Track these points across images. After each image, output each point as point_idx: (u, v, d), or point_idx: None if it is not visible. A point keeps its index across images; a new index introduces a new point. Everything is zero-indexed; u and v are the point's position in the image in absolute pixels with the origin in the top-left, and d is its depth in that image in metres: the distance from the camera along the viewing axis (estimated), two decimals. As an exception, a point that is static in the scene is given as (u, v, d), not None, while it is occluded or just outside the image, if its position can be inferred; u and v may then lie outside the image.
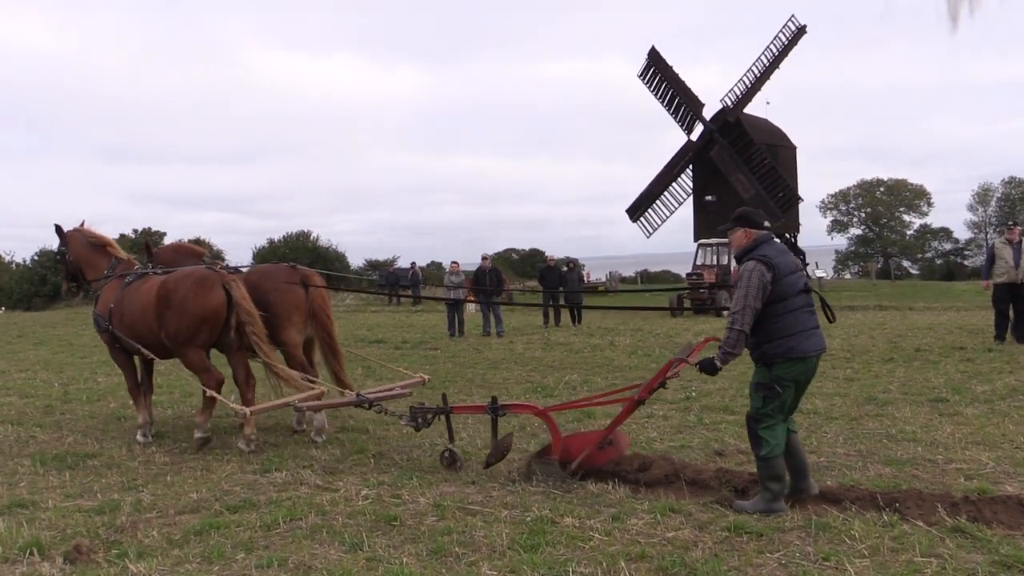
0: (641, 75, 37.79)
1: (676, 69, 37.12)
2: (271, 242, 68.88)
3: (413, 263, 40.39)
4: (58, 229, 9.06)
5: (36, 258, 57.03)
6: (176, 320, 7.49)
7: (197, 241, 65.13)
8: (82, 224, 9.15)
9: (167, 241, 63.56)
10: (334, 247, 69.13)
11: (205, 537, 5.00)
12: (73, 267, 8.97)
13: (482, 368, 12.96)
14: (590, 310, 22.99)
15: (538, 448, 6.61)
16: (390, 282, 37.75)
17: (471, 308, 23.42)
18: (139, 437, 8.01)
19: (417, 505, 5.50)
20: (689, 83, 37.01)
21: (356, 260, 70.38)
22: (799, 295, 5.23)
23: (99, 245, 8.88)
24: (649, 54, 37.30)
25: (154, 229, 63.43)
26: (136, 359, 8.33)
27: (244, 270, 8.67)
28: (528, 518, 5.15)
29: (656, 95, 37.56)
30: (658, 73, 37.29)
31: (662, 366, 6.11)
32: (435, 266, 62.27)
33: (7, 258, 57.59)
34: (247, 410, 7.33)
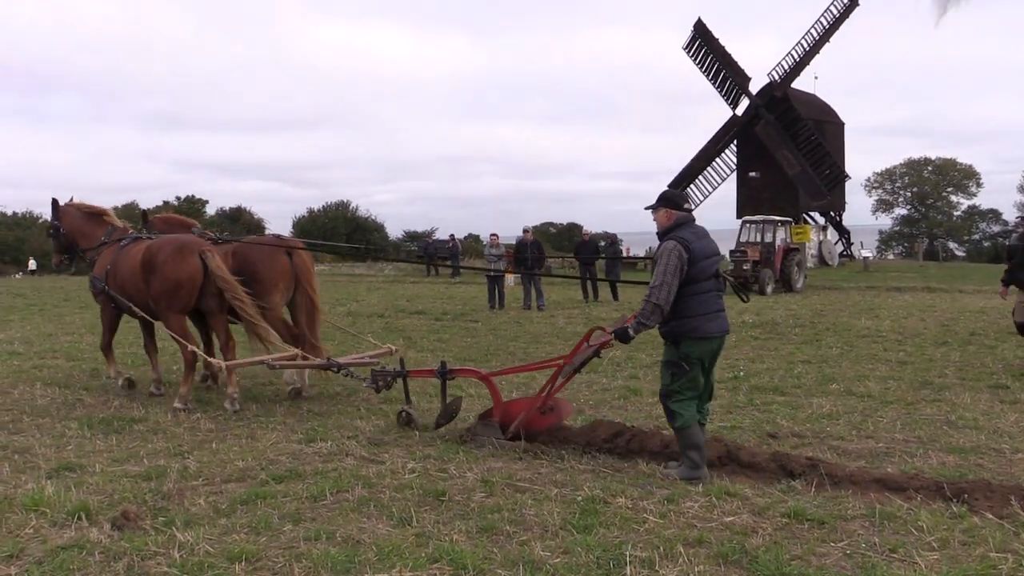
0: (687, 48, 37.10)
1: (723, 42, 36.40)
2: (311, 211, 69.29)
3: (452, 235, 40.32)
4: (54, 203, 9.54)
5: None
6: (157, 284, 7.95)
7: (238, 210, 65.83)
8: (71, 199, 9.68)
9: (209, 210, 64.21)
10: (373, 217, 69.38)
11: (252, 507, 4.94)
12: (66, 240, 9.49)
13: (523, 342, 12.84)
14: (626, 284, 22.74)
15: (482, 411, 6.84)
16: (428, 253, 37.79)
17: (511, 281, 23.29)
18: (116, 381, 8.90)
19: (465, 480, 5.40)
20: (736, 56, 36.30)
21: (395, 231, 70.58)
22: (709, 279, 5.47)
23: (95, 215, 9.44)
24: (695, 26, 36.59)
25: (197, 196, 64.19)
26: (140, 325, 8.92)
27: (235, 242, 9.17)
28: (579, 497, 5.02)
29: (702, 68, 36.89)
30: (704, 46, 36.59)
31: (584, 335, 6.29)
32: (473, 238, 62.20)
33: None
34: (224, 363, 7.93)
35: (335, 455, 6.11)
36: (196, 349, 8.06)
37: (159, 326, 8.54)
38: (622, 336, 5.63)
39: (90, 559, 4.19)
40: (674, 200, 5.69)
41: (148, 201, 67.10)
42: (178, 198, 63.30)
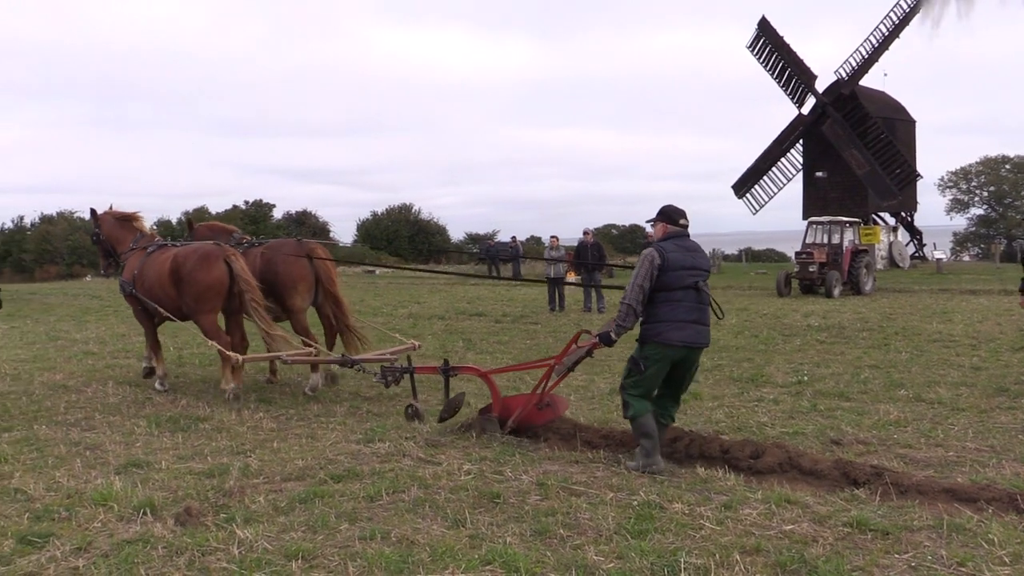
0: (750, 46, 36.53)
1: (787, 40, 35.72)
2: (374, 215, 70.22)
3: (513, 237, 40.40)
4: (93, 212, 10.21)
5: (155, 227, 59.63)
6: (188, 290, 8.53)
7: (304, 213, 67.05)
8: (110, 207, 10.25)
9: (276, 213, 65.56)
10: (435, 220, 69.97)
11: (310, 505, 5.01)
12: (106, 245, 10.12)
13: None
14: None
15: (483, 405, 7.18)
16: (489, 256, 37.92)
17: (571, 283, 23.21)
18: (157, 386, 9.17)
19: (520, 483, 5.39)
20: (801, 54, 35.59)
21: (457, 233, 71.06)
22: (683, 290, 5.74)
23: (126, 219, 10.03)
24: (759, 24, 36.00)
25: (265, 201, 65.61)
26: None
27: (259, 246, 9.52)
28: (635, 502, 4.97)
29: (766, 67, 36.27)
30: (768, 44, 35.97)
31: (579, 341, 6.52)
32: (535, 240, 62.24)
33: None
34: (240, 357, 8.42)
35: (392, 455, 6.16)
36: (228, 352, 8.39)
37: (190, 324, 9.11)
38: (605, 339, 5.96)
39: (153, 553, 4.31)
40: (670, 215, 6.02)
41: (218, 206, 68.84)
42: (246, 202, 64.80)
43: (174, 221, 61.46)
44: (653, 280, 5.72)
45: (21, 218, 60.50)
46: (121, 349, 12.83)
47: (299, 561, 4.16)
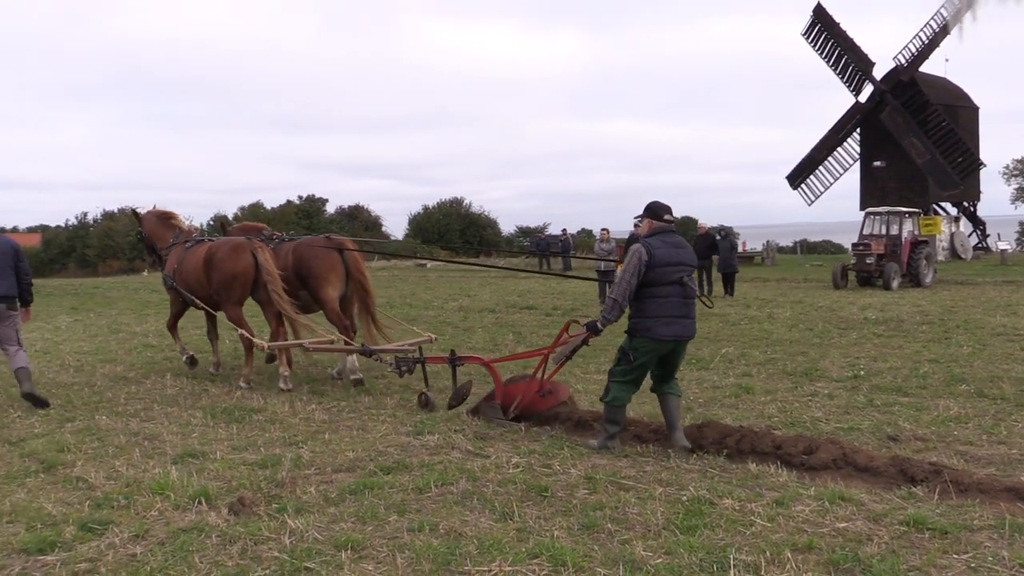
0: (805, 33, 35.81)
1: (844, 26, 34.92)
2: (425, 208, 70.65)
3: (564, 230, 40.28)
4: (135, 212, 11.06)
5: (212, 223, 61.01)
6: (216, 278, 9.10)
7: (356, 207, 67.75)
8: (154, 207, 11.01)
9: (329, 208, 66.36)
10: (486, 213, 70.14)
11: (359, 497, 5.07)
12: (149, 242, 10.86)
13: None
14: (744, 282, 22.17)
15: (487, 393, 7.42)
16: (540, 249, 37.87)
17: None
18: (184, 361, 10.11)
19: (568, 476, 5.37)
20: (858, 40, 34.76)
21: (507, 227, 71.17)
22: (670, 285, 5.92)
23: (165, 218, 10.76)
24: (815, 11, 35.26)
25: (317, 196, 66.49)
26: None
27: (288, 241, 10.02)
28: (684, 497, 4.92)
29: (821, 54, 35.52)
30: (824, 31, 35.22)
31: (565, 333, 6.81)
32: (586, 233, 61.99)
33: (187, 222, 61.97)
34: (265, 344, 9.04)
35: (442, 448, 6.20)
36: (249, 336, 9.06)
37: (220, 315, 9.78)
38: (592, 328, 6.22)
39: (208, 542, 4.40)
40: (655, 212, 6.21)
41: (272, 200, 69.95)
42: (300, 197, 65.76)
43: (230, 216, 62.67)
44: (641, 276, 5.91)
45: (85, 214, 62.34)
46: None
47: (348, 551, 4.21)
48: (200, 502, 5.00)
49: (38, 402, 8.00)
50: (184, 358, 10.22)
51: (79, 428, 7.14)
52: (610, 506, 4.80)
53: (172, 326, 10.49)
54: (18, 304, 8.32)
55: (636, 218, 6.44)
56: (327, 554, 4.20)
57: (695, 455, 5.87)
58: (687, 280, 6.00)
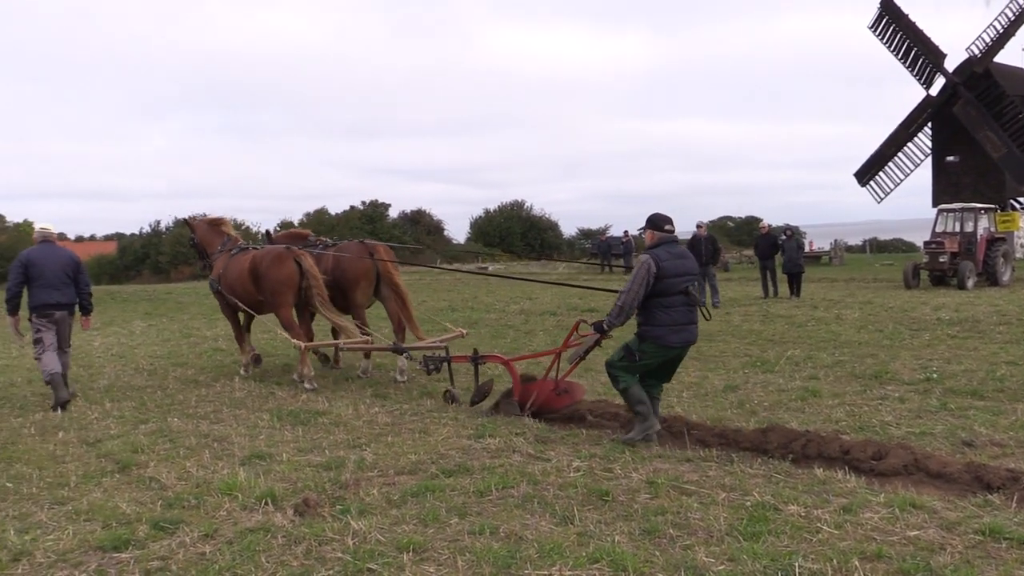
0: (872, 26, 34.88)
1: (913, 17, 33.92)
2: (487, 212, 70.95)
3: (626, 231, 40.00)
4: (186, 221, 11.78)
5: (278, 229, 62.21)
6: (265, 285, 9.61)
7: (418, 212, 68.40)
8: (204, 215, 11.76)
9: (392, 213, 67.15)
10: (547, 216, 70.11)
11: (421, 499, 5.11)
12: (200, 248, 11.38)
13: (699, 339, 12.51)
14: (811, 282, 21.68)
15: (506, 390, 7.85)
16: (602, 251, 37.69)
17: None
18: (241, 371, 10.45)
19: (629, 481, 5.33)
20: (928, 32, 33.71)
21: (569, 229, 71.04)
22: (678, 295, 6.27)
23: (215, 224, 11.28)
24: (881, 3, 34.32)
25: (380, 201, 67.33)
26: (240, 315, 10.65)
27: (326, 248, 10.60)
28: (748, 503, 4.83)
29: (889, 47, 34.54)
30: (892, 23, 34.25)
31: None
32: (647, 234, 61.40)
33: (253, 229, 63.42)
34: (302, 344, 9.39)
35: (503, 451, 6.21)
36: (301, 344, 9.41)
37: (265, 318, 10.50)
38: (599, 328, 6.58)
39: (273, 542, 4.50)
40: (657, 223, 6.53)
41: (337, 206, 71.29)
42: (363, 202, 66.67)
43: (296, 222, 63.90)
44: (649, 287, 6.22)
45: (158, 222, 64.22)
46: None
47: (410, 553, 4.25)
48: (267, 503, 5.11)
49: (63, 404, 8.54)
50: (243, 367, 10.62)
51: (152, 430, 7.37)
52: (672, 511, 4.74)
53: (239, 336, 10.83)
54: (77, 311, 9.06)
55: (640, 230, 6.59)
56: (389, 556, 4.25)
57: (759, 460, 5.76)
58: (691, 289, 6.37)
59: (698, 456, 5.92)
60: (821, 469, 5.47)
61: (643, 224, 6.77)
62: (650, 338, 6.32)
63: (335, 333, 10.21)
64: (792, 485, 5.19)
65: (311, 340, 10.04)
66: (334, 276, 9.88)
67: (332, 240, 10.96)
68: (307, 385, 9.20)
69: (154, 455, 6.45)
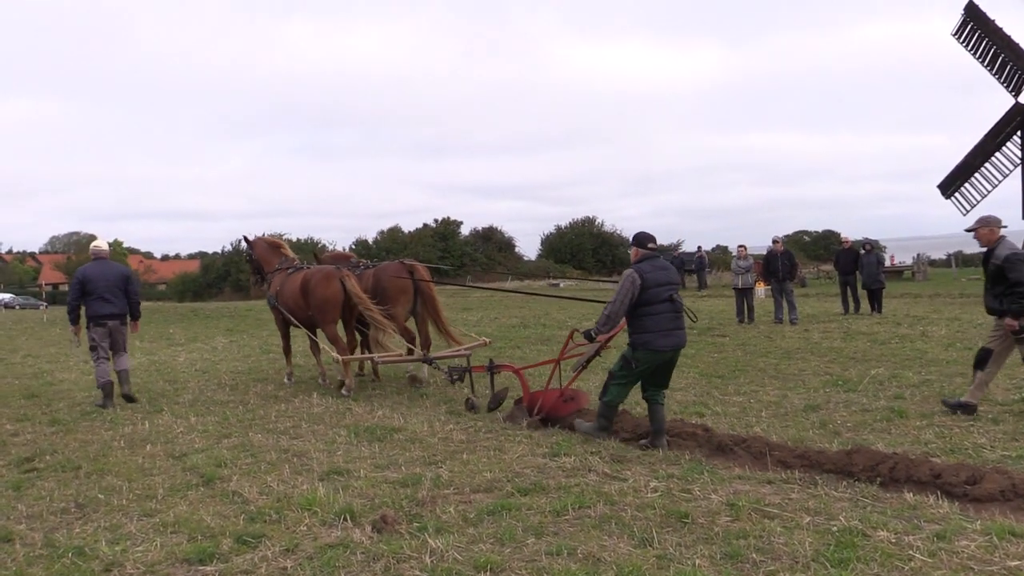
0: (956, 33, 33.79)
1: (999, 22, 32.74)
2: (558, 228, 70.99)
3: (699, 247, 39.52)
4: (245, 238, 12.67)
5: (353, 247, 63.47)
6: (313, 302, 10.46)
7: (490, 229, 68.86)
8: (263, 235, 12.72)
9: (464, 230, 67.75)
10: (618, 232, 69.85)
11: (498, 518, 5.10)
12: (256, 265, 12.34)
13: (775, 357, 12.25)
14: (893, 298, 20.96)
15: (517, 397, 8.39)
16: (675, 266, 37.28)
17: (760, 293, 22.37)
18: (285, 379, 11.45)
19: (709, 503, 5.22)
20: (1016, 37, 32.47)
21: (640, 244, 70.54)
22: (663, 303, 6.86)
23: (274, 246, 12.32)
24: (966, 8, 33.22)
25: (452, 219, 68.07)
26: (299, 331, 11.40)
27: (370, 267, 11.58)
28: (834, 527, 4.67)
29: (975, 54, 33.37)
30: (977, 29, 33.11)
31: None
32: (721, 250, 60.58)
33: (329, 247, 64.77)
34: (340, 357, 10.27)
35: (578, 470, 6.16)
36: (342, 358, 10.29)
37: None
38: (588, 336, 7.23)
39: (353, 558, 4.54)
40: (641, 241, 7.18)
41: (408, 224, 72.29)
42: (436, 220, 67.50)
43: (370, 240, 65.00)
44: (635, 298, 6.81)
45: (239, 241, 66.26)
46: (325, 362, 13.67)
47: (487, 573, 4.24)
48: (345, 519, 5.16)
49: (131, 400, 9.98)
50: (287, 377, 11.56)
51: (235, 444, 7.55)
52: (754, 535, 4.62)
53: (287, 349, 11.88)
54: (128, 319, 10.19)
55: (629, 247, 7.54)
56: (466, 574, 4.24)
57: (844, 483, 5.57)
58: (675, 297, 6.93)
59: (779, 478, 5.77)
60: (911, 493, 5.27)
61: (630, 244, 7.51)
62: (641, 345, 6.86)
63: (364, 347, 11.19)
64: (880, 510, 5.01)
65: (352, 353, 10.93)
66: (376, 293, 10.69)
67: (372, 263, 11.86)
68: (344, 392, 10.06)
69: (236, 469, 6.59)
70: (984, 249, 8.01)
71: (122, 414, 9.41)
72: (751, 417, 7.91)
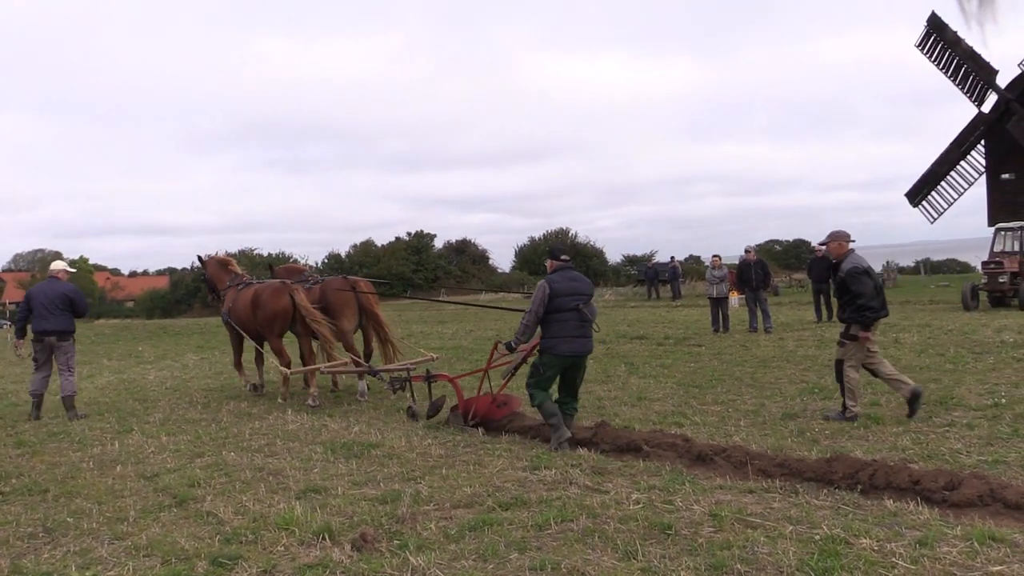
0: (920, 44, 34.37)
1: (962, 34, 33.34)
2: (532, 240, 71.05)
3: (672, 257, 39.72)
4: (200, 258, 13.15)
5: (325, 262, 63.07)
6: (262, 316, 11.06)
7: (463, 242, 68.79)
8: (215, 253, 13.36)
9: (437, 243, 67.59)
10: (591, 243, 70.03)
11: (479, 533, 5.03)
12: (210, 282, 12.90)
13: (751, 366, 12.30)
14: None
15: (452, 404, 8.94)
16: (649, 277, 37.42)
17: (734, 303, 22.50)
18: (249, 389, 11.97)
19: (692, 514, 5.18)
20: (978, 48, 33.09)
21: (614, 255, 70.78)
22: (570, 311, 7.35)
23: (224, 263, 12.82)
24: (929, 20, 33.83)
25: (426, 231, 67.89)
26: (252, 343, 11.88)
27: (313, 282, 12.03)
28: (817, 536, 4.66)
29: (939, 65, 33.97)
30: (940, 40, 33.72)
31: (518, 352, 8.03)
32: (694, 260, 60.96)
33: (302, 261, 64.31)
34: (287, 371, 10.95)
35: (559, 483, 6.10)
36: (285, 370, 10.98)
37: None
38: (508, 347, 7.74)
39: (333, 579, 4.44)
40: (555, 254, 7.76)
41: (382, 238, 71.93)
42: (409, 234, 67.28)
43: (343, 254, 64.62)
44: (545, 306, 7.33)
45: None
46: (297, 379, 13.52)
47: (470, 591, 4.16)
48: (324, 538, 5.06)
49: (78, 417, 10.36)
50: (247, 386, 12.07)
51: (208, 463, 7.41)
52: (738, 545, 4.59)
53: (237, 363, 12.35)
54: (72, 339, 10.57)
55: (546, 260, 7.99)
56: (449, 593, 4.16)
57: (824, 491, 5.57)
58: (582, 307, 7.37)
59: (760, 487, 5.75)
60: (891, 500, 5.28)
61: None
62: (546, 350, 7.40)
63: (304, 359, 11.52)
64: (862, 517, 5.01)
65: (314, 363, 11.35)
66: (323, 306, 11.17)
67: (322, 277, 12.29)
68: (310, 402, 10.52)
69: (210, 489, 6.46)
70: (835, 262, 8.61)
71: (90, 434, 9.22)
72: (730, 426, 7.91)
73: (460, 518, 5.35)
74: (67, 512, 6.05)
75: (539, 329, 7.53)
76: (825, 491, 5.60)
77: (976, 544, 4.44)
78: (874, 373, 8.26)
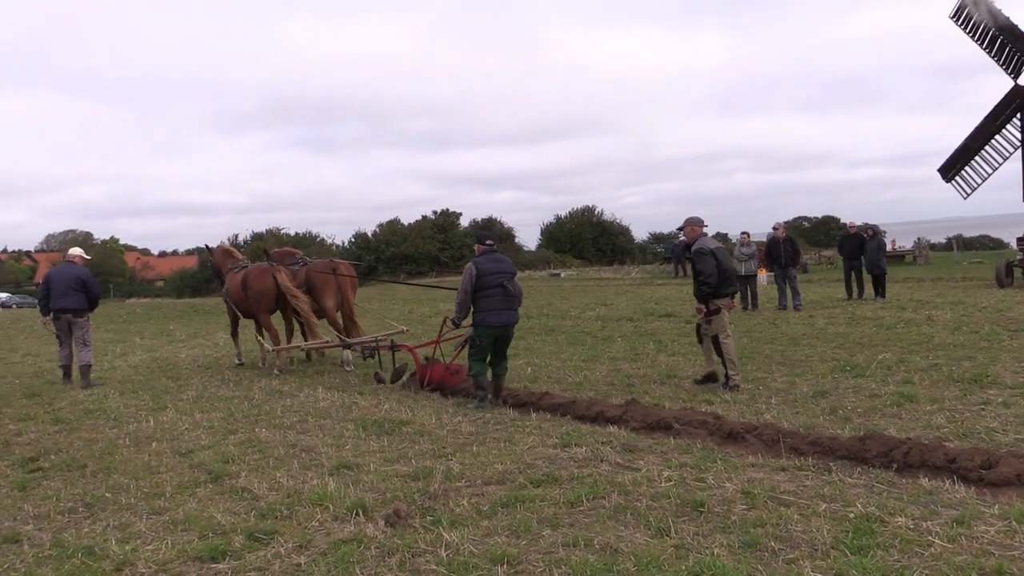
0: (954, 16, 33.63)
1: (998, 3, 32.56)
2: (558, 218, 70.82)
3: (698, 234, 39.37)
4: (207, 247, 15.28)
5: (352, 241, 63.26)
6: (250, 295, 12.43)
7: (489, 220, 68.68)
8: (221, 243, 14.99)
9: (463, 221, 67.56)
10: (618, 221, 69.68)
11: (511, 510, 5.05)
12: (216, 268, 14.55)
13: (781, 344, 12.21)
14: (896, 282, 20.88)
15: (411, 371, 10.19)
16: (675, 255, 37.19)
17: (763, 280, 22.31)
18: (236, 360, 13.44)
19: (724, 491, 5.17)
20: (1014, 18, 32.30)
21: (641, 233, 70.44)
22: (495, 288, 8.42)
23: (227, 252, 14.42)
24: (964, -9, 33.03)
25: (452, 210, 67.88)
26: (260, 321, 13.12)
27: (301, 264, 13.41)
28: (851, 514, 4.63)
29: (973, 37, 33.24)
30: (974, 11, 32.93)
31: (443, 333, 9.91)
32: (721, 237, 60.46)
33: (328, 241, 64.61)
34: (272, 348, 12.24)
35: (590, 460, 6.11)
36: (267, 345, 12.42)
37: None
38: (454, 322, 8.87)
39: (367, 553, 4.49)
40: (481, 239, 8.87)
41: (408, 216, 71.96)
42: (435, 212, 67.32)
43: (369, 233, 64.83)
44: (473, 285, 8.39)
45: (236, 236, 66.02)
46: (329, 357, 13.63)
47: (504, 566, 4.19)
48: (357, 513, 5.11)
49: (91, 385, 11.39)
50: (237, 360, 13.42)
51: (241, 440, 7.50)
52: (771, 523, 4.57)
53: (233, 333, 14.07)
54: (86, 316, 11.73)
55: (476, 244, 8.99)
56: (483, 568, 4.19)
57: (859, 470, 5.53)
58: (506, 283, 8.42)
59: (793, 465, 5.72)
60: (926, 479, 5.23)
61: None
62: (478, 323, 8.46)
63: (292, 336, 13.26)
64: (897, 496, 4.97)
65: (298, 340, 12.96)
66: (308, 287, 12.41)
67: (309, 259, 13.53)
68: (276, 372, 11.76)
69: (244, 465, 6.54)
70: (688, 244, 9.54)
71: (126, 411, 9.37)
72: (760, 404, 7.87)
73: (492, 495, 5.37)
74: (105, 487, 6.16)
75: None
76: (859, 469, 5.56)
77: (1014, 523, 4.38)
78: (713, 341, 9.04)
